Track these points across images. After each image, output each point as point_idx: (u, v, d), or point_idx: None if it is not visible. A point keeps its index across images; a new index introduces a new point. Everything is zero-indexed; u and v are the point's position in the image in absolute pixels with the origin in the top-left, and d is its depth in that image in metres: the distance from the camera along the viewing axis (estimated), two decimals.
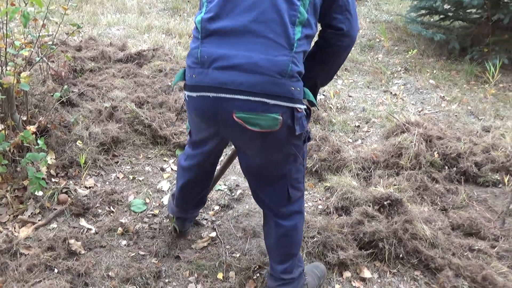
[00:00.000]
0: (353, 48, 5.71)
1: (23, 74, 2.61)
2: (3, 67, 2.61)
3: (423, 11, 6.02)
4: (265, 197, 1.95)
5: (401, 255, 2.38)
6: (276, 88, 1.61)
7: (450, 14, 5.74)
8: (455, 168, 3.14)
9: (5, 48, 2.57)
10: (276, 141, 1.73)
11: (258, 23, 1.59)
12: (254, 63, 1.58)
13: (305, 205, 2.88)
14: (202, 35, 1.66)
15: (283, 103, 1.63)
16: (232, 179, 3.09)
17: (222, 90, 1.62)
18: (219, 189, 2.97)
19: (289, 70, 1.61)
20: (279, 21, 1.59)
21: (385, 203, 2.59)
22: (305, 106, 1.73)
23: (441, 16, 5.96)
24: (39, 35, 2.88)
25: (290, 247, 2.02)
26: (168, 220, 2.63)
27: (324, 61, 1.86)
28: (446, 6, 5.65)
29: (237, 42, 1.61)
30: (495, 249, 2.51)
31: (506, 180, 3.05)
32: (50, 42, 3.31)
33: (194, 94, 1.71)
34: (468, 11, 5.60)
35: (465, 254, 2.44)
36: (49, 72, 3.86)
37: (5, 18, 2.49)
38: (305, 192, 3.00)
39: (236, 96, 1.61)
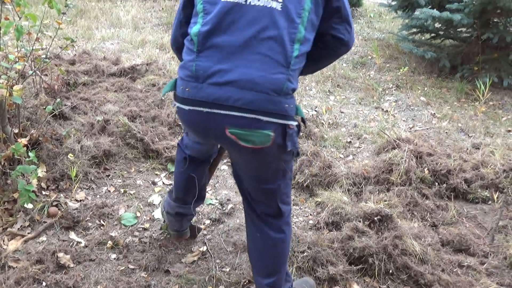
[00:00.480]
0: (345, 65, 5.81)
1: (15, 87, 2.61)
2: None
3: (414, 30, 6.12)
4: (257, 208, 1.95)
5: (390, 271, 2.39)
6: (271, 105, 1.61)
7: (441, 32, 5.84)
8: (445, 185, 3.16)
9: None
10: (267, 156, 1.74)
11: (257, 40, 1.60)
12: (251, 80, 1.58)
13: (296, 219, 2.88)
14: (198, 48, 1.65)
15: (276, 120, 1.64)
16: (224, 193, 3.09)
17: (216, 106, 1.61)
18: (210, 203, 2.97)
19: (284, 88, 1.62)
20: (278, 39, 1.60)
21: (375, 218, 2.61)
22: (297, 123, 1.74)
23: (432, 35, 6.07)
24: (32, 49, 2.89)
25: (278, 259, 1.98)
26: (160, 232, 2.63)
27: (316, 59, 1.88)
28: (437, 25, 5.75)
29: (235, 57, 1.60)
30: (484, 265, 2.52)
31: (495, 197, 3.08)
32: (44, 56, 3.33)
33: (186, 107, 1.69)
34: (459, 30, 5.70)
35: (454, 270, 2.45)
36: (42, 85, 3.87)
37: (2, 32, 2.50)
38: (296, 207, 3.01)
39: (231, 113, 1.60)
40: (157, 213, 2.84)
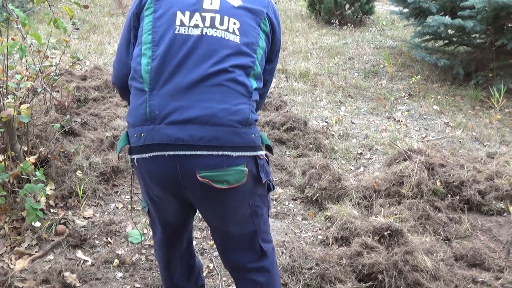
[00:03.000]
0: (356, 74, 5.75)
1: (23, 107, 2.64)
2: (3, 100, 2.64)
3: (427, 37, 6.04)
4: (238, 257, 1.75)
5: None
6: (238, 138, 1.49)
7: (454, 39, 5.76)
8: (458, 197, 3.09)
9: (6, 81, 2.61)
10: (243, 195, 1.60)
11: (216, 72, 1.48)
12: (212, 114, 1.45)
13: (305, 235, 2.84)
14: (150, 87, 1.48)
15: (246, 153, 1.52)
16: None
17: (179, 147, 1.45)
18: None
19: (249, 118, 1.52)
20: (237, 71, 1.50)
21: (385, 233, 2.55)
22: (265, 152, 1.64)
23: (445, 42, 5.99)
24: (40, 67, 2.92)
25: None
26: None
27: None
28: (450, 32, 5.67)
29: (192, 92, 1.46)
30: (500, 280, 2.43)
31: (510, 208, 2.99)
32: (54, 73, 3.36)
33: (146, 155, 1.49)
34: (472, 36, 5.61)
35: (468, 286, 2.38)
36: (53, 102, 3.91)
37: (7, 52, 2.53)
38: (305, 222, 2.97)
39: (196, 152, 1.45)
40: None
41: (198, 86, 1.46)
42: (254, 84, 1.56)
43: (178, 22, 1.51)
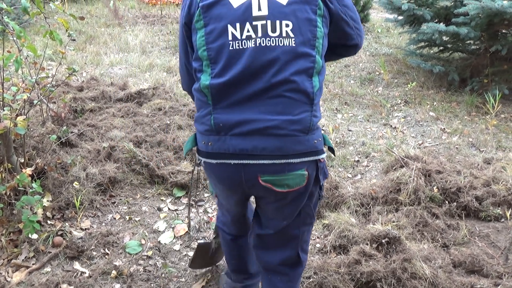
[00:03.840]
0: (352, 82, 5.77)
1: (19, 118, 2.64)
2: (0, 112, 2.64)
3: (422, 44, 6.08)
4: (274, 257, 1.85)
5: None
6: (301, 146, 1.53)
7: (449, 46, 5.79)
8: (455, 203, 3.09)
9: (2, 93, 2.61)
10: (300, 198, 1.67)
11: (276, 83, 1.50)
12: (274, 126, 1.49)
13: None
14: (213, 101, 1.55)
15: (307, 158, 1.57)
16: None
17: (244, 156, 1.53)
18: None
19: (311, 126, 1.55)
20: (297, 78, 1.51)
21: (383, 241, 2.55)
22: (326, 154, 1.67)
23: (440, 48, 6.02)
24: (36, 79, 2.92)
25: None
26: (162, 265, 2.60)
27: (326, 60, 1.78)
28: (445, 38, 5.70)
29: (255, 105, 1.50)
30: (499, 287, 2.43)
31: (508, 214, 2.99)
32: (50, 84, 3.36)
33: (213, 161, 1.60)
34: (467, 42, 5.64)
35: None
36: (49, 114, 3.91)
37: (2, 64, 2.53)
38: None
39: (260, 161, 1.53)
40: (164, 238, 2.83)
41: (260, 99, 1.50)
42: (316, 84, 1.56)
43: (230, 37, 1.51)
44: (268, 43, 1.49)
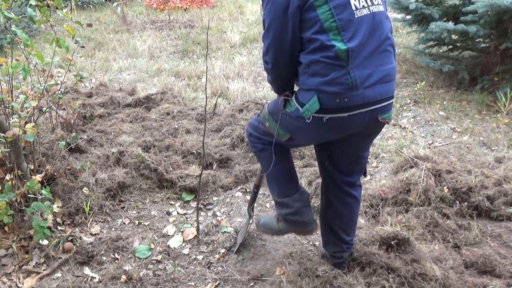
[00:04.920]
0: None
1: (28, 126, 2.66)
2: (9, 119, 2.67)
3: (431, 43, 6.02)
4: (351, 178, 2.30)
5: None
6: (395, 86, 2.02)
7: (458, 44, 5.73)
8: (466, 203, 3.05)
9: (11, 101, 2.64)
10: (381, 126, 2.13)
11: (382, 41, 1.92)
12: (388, 74, 1.94)
13: (313, 246, 2.82)
14: (350, 62, 1.85)
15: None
16: (238, 221, 3.06)
17: (373, 103, 1.92)
18: (225, 231, 2.93)
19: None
20: (390, 35, 1.97)
21: (392, 242, 2.52)
22: None
23: (449, 47, 5.96)
24: (44, 86, 2.95)
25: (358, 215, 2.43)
26: (171, 267, 2.61)
27: None
28: (454, 37, 5.64)
29: (373, 59, 1.89)
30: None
31: None
32: (59, 91, 3.39)
33: (345, 114, 1.91)
34: (476, 40, 5.58)
35: None
36: (59, 120, 3.94)
37: (11, 72, 2.56)
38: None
39: (382, 104, 1.95)
40: (173, 242, 2.84)
41: (374, 53, 1.90)
42: (393, 39, 2.02)
43: (354, 7, 1.86)
44: (375, 10, 1.91)
